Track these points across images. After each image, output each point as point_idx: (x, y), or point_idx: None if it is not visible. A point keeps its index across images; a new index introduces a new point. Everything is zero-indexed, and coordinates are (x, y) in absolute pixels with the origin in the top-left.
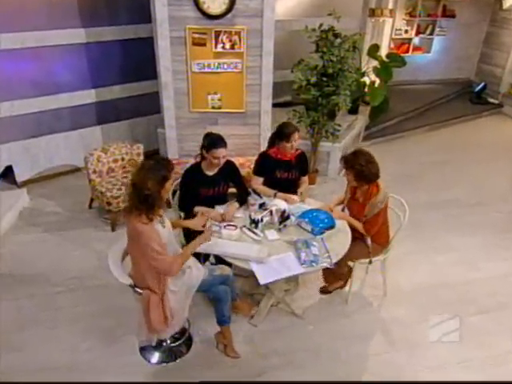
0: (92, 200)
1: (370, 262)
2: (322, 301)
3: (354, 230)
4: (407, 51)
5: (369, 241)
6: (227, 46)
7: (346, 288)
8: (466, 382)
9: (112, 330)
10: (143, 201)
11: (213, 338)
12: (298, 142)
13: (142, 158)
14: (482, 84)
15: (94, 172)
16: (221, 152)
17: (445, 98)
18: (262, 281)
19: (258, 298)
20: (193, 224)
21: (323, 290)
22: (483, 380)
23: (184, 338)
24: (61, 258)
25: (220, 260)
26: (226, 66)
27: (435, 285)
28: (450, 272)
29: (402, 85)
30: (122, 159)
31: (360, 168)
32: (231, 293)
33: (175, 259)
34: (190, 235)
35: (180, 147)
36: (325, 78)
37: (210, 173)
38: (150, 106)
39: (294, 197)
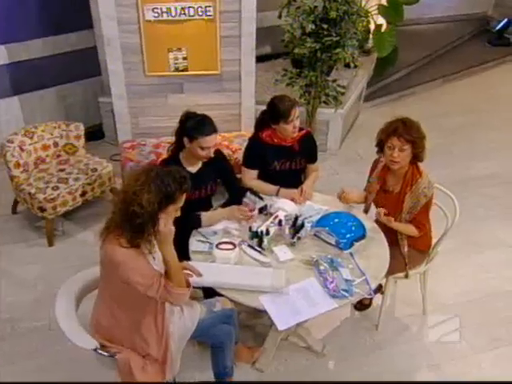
0: (17, 202)
1: (407, 277)
2: (344, 328)
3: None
4: None
5: (405, 247)
6: None
7: (375, 305)
8: (465, 382)
9: None
10: (128, 219)
11: None
12: (299, 121)
13: (83, 141)
14: (505, 20)
15: (17, 166)
16: (212, 140)
17: (458, 40)
18: (282, 325)
19: (261, 332)
20: None
21: (360, 306)
22: None
23: None
24: None
25: (207, 290)
26: (192, 12)
27: (487, 294)
28: (503, 275)
29: (404, 26)
30: (56, 145)
31: (424, 137)
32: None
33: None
34: None
35: (134, 124)
36: (325, 25)
37: (193, 169)
38: (85, 66)
39: (306, 190)
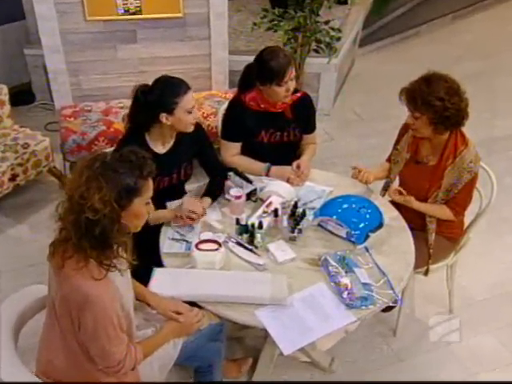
0: None
1: (427, 273)
2: (356, 335)
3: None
4: None
5: (433, 235)
6: None
7: (394, 310)
8: (462, 382)
9: None
10: (84, 232)
11: None
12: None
13: (8, 108)
14: None
15: None
16: (191, 97)
17: None
18: (288, 349)
19: (253, 345)
20: (161, 308)
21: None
22: None
23: None
24: None
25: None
26: None
27: None
28: None
29: None
30: None
31: (441, 104)
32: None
33: (133, 351)
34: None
35: (74, 84)
36: None
37: (163, 148)
38: (3, 7)
39: (303, 168)
